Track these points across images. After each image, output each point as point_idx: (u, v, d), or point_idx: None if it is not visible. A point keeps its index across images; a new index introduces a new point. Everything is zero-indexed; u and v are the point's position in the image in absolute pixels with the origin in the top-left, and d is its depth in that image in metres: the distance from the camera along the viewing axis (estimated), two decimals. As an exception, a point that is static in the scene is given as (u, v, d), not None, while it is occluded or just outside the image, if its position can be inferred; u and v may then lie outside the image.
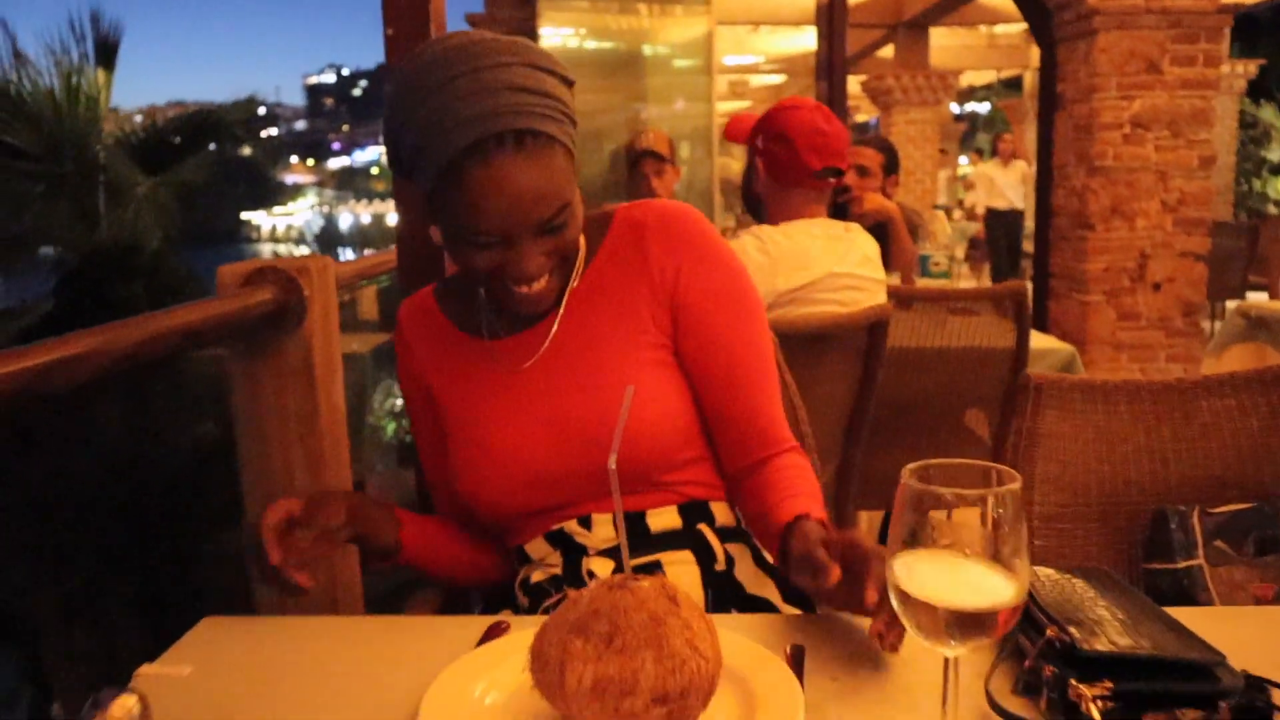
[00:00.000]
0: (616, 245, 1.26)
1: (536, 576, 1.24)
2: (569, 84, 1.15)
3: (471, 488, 1.25)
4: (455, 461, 1.26)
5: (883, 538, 0.90)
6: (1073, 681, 0.82)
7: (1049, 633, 0.87)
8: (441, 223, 1.15)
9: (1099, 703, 0.80)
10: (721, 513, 1.28)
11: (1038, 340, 3.21)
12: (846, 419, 2.40)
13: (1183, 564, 1.28)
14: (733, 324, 1.24)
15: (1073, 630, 0.86)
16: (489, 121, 1.05)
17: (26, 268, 7.55)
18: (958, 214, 11.74)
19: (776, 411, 1.27)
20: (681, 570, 1.21)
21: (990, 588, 0.71)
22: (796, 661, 0.95)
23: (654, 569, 1.19)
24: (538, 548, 1.25)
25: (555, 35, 5.76)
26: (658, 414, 1.20)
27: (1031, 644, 0.89)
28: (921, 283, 3.45)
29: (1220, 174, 11.33)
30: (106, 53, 7.71)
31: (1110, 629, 0.87)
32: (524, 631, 0.88)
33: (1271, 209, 13.98)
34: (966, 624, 0.71)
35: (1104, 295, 5.33)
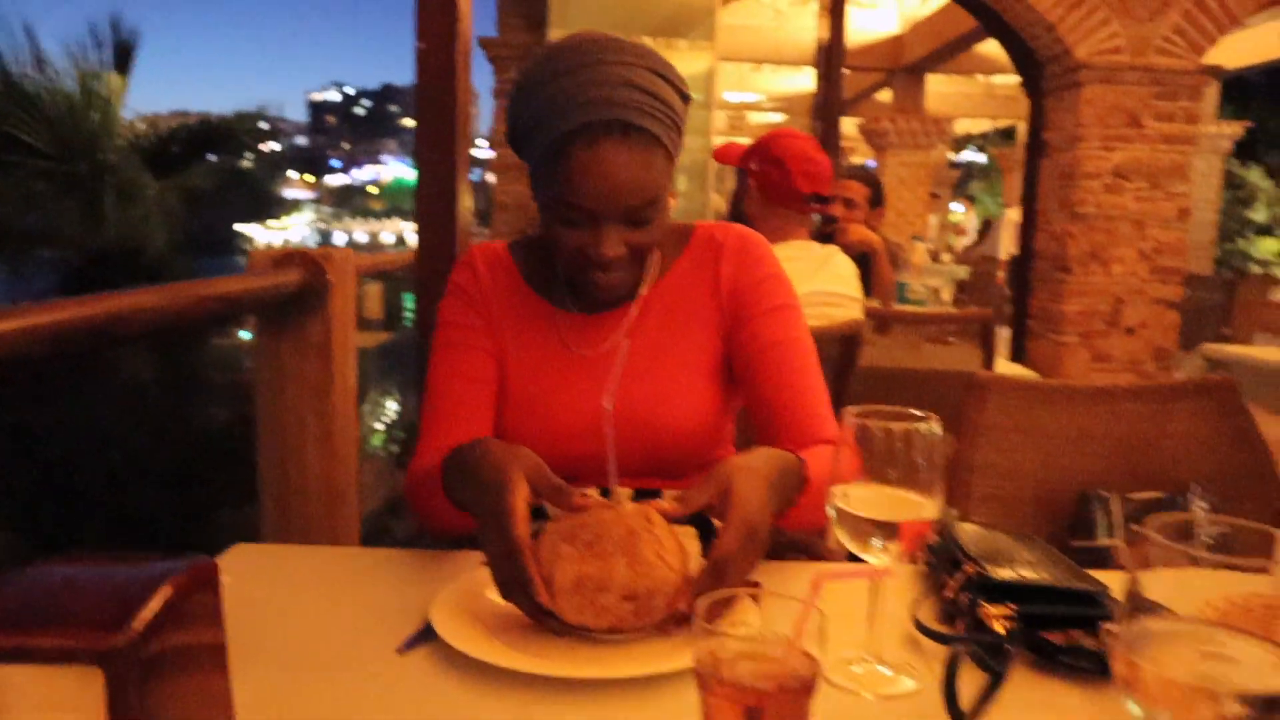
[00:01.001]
0: (695, 258, 1.37)
1: None
2: (685, 98, 1.24)
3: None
4: (504, 419, 1.33)
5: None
6: (983, 603, 0.98)
7: (966, 569, 1.04)
8: (540, 195, 1.24)
9: (1004, 621, 0.96)
10: None
11: (1006, 368, 3.39)
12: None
13: (1103, 542, 1.45)
14: (786, 329, 1.34)
15: (985, 565, 1.02)
16: (602, 109, 1.15)
17: (33, 265, 7.65)
18: (946, 257, 11.90)
19: (822, 408, 1.31)
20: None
21: (907, 506, 0.87)
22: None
23: None
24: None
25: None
26: (700, 418, 1.31)
27: (952, 579, 1.05)
28: (899, 309, 3.62)
29: (1203, 230, 11.56)
30: (123, 58, 7.88)
31: (1019, 566, 1.03)
32: None
33: (1254, 268, 14.23)
34: (886, 532, 0.87)
35: (1079, 337, 5.52)
